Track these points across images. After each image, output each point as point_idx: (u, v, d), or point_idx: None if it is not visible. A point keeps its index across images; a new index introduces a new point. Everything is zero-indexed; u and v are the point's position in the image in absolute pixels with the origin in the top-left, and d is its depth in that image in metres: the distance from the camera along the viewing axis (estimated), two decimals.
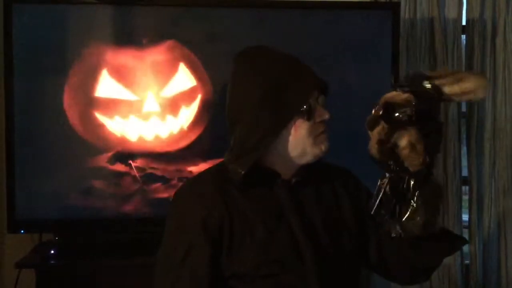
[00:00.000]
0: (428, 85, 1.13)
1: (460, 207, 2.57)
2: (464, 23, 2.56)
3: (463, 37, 2.57)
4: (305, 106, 1.24)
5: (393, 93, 1.15)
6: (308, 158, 1.28)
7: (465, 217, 2.61)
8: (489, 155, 2.55)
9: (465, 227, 2.61)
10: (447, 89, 1.14)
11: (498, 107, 2.55)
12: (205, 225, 1.23)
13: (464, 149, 2.61)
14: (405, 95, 1.13)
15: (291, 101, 1.24)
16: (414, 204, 1.15)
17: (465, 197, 2.63)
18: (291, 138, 1.26)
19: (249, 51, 1.32)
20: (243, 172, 1.24)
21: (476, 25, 2.54)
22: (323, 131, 1.28)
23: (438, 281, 2.53)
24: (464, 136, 2.60)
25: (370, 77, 2.27)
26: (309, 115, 1.25)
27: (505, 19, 2.52)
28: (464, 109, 2.59)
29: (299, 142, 1.26)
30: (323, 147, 1.28)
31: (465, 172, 2.60)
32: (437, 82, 1.14)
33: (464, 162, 2.60)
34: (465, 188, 2.63)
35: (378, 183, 1.19)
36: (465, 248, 2.59)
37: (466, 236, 2.60)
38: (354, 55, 2.28)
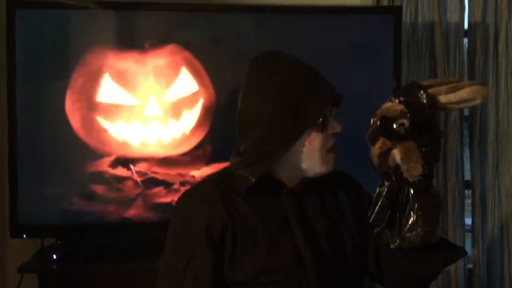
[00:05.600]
0: (423, 95, 1.14)
1: (463, 211, 2.56)
2: (466, 27, 2.56)
3: (465, 40, 2.56)
4: (321, 119, 1.24)
5: (389, 104, 1.16)
6: (314, 173, 1.28)
7: (468, 221, 2.61)
8: (492, 159, 2.55)
9: (468, 231, 2.61)
10: (442, 98, 1.14)
11: (501, 111, 2.54)
12: (207, 233, 1.22)
13: (466, 153, 2.60)
14: (400, 107, 1.13)
15: (308, 113, 1.23)
16: (414, 216, 1.15)
17: (467, 201, 2.62)
18: (304, 149, 1.25)
19: (266, 57, 1.30)
20: (253, 180, 1.24)
21: (478, 29, 2.54)
22: (333, 146, 1.28)
23: (441, 286, 2.52)
24: (466, 139, 2.59)
25: (372, 81, 2.26)
26: (323, 128, 1.24)
27: (507, 22, 2.52)
28: (466, 113, 2.59)
29: (311, 154, 1.26)
30: (329, 167, 1.28)
31: (467, 176, 2.59)
32: (432, 91, 1.14)
33: (466, 166, 2.59)
34: (468, 192, 2.62)
35: (377, 191, 1.19)
36: (469, 252, 2.58)
37: (469, 240, 2.60)
38: (356, 59, 2.28)
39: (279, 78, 1.24)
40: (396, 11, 2.34)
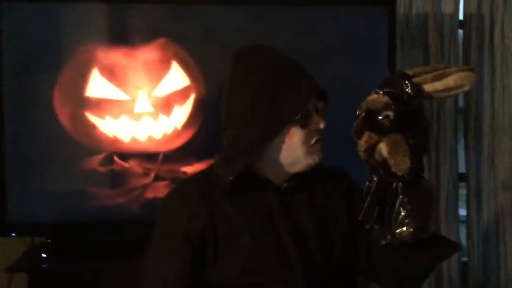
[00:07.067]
0: (408, 85, 1.10)
1: (457, 204, 2.54)
2: (461, 17, 2.53)
3: (460, 32, 2.54)
4: (300, 114, 1.20)
5: (374, 96, 1.13)
6: (299, 167, 1.25)
7: (462, 211, 2.59)
8: (488, 151, 2.53)
9: (462, 222, 2.59)
10: (428, 87, 1.11)
11: (496, 103, 2.52)
12: (186, 233, 1.22)
13: (461, 145, 2.58)
14: (385, 98, 1.10)
15: (286, 108, 1.20)
16: (404, 211, 1.12)
17: (462, 191, 2.59)
18: (284, 145, 1.23)
19: (247, 51, 1.28)
20: (231, 178, 1.22)
21: (473, 20, 2.51)
22: (318, 140, 1.24)
23: (434, 279, 2.51)
24: (461, 132, 2.57)
25: (366, 73, 2.23)
26: (304, 123, 1.21)
27: (502, 13, 2.50)
28: (461, 104, 2.57)
29: (292, 150, 1.23)
30: (316, 158, 1.25)
31: (462, 169, 2.57)
32: (417, 80, 1.11)
33: (461, 159, 2.57)
34: (463, 185, 2.60)
35: (366, 186, 1.17)
36: (463, 244, 2.57)
37: (463, 232, 2.59)
38: (350, 51, 2.25)
39: (259, 73, 1.22)
40: (390, 2, 2.30)
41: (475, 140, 2.55)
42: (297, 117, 1.20)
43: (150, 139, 2.13)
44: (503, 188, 2.53)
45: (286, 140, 1.22)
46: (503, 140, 2.53)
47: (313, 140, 1.23)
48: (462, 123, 2.57)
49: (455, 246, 1.29)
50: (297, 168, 1.25)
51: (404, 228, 1.12)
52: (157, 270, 1.23)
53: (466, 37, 2.53)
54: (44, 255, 2.06)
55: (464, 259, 2.57)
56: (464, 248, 2.57)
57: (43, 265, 2.06)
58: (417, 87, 1.10)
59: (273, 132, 1.21)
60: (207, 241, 1.21)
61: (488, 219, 2.55)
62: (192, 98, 2.15)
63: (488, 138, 2.53)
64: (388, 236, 1.14)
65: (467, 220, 2.57)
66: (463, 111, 2.56)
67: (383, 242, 1.15)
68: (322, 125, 1.24)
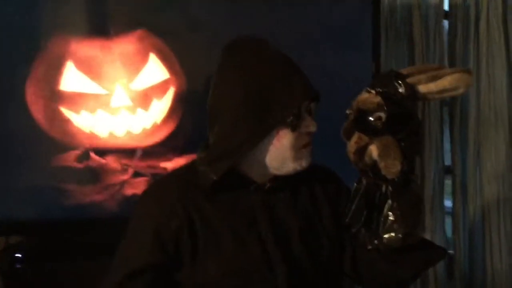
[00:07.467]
0: (401, 85, 1.06)
1: (442, 196, 2.53)
2: (446, 8, 2.51)
3: (446, 22, 2.51)
4: (291, 117, 1.15)
5: (365, 95, 1.09)
6: (286, 171, 1.21)
7: (448, 203, 2.58)
8: (474, 143, 2.51)
9: (447, 213, 2.58)
10: (422, 88, 1.08)
11: (482, 95, 2.50)
12: (156, 233, 1.18)
13: (447, 138, 2.56)
14: (377, 99, 1.06)
15: (277, 110, 1.14)
16: (393, 216, 1.08)
17: (447, 182, 2.58)
18: (271, 147, 1.18)
19: (240, 43, 1.22)
20: (214, 178, 1.17)
21: (458, 11, 2.48)
22: (308, 143, 1.20)
23: None
24: (446, 125, 2.55)
25: (349, 65, 2.19)
26: (294, 126, 1.16)
27: (488, 4, 2.47)
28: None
29: (280, 153, 1.18)
30: (304, 164, 1.20)
31: (447, 161, 2.56)
32: (410, 80, 1.07)
33: (447, 152, 2.56)
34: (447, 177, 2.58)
35: (354, 188, 1.13)
36: (449, 237, 2.56)
37: (449, 225, 2.57)
38: (334, 42, 2.21)
39: (251, 70, 1.16)
40: None
41: (461, 132, 2.53)
42: (288, 120, 1.15)
43: (128, 134, 2.07)
44: (489, 181, 2.52)
45: (275, 142, 1.17)
46: (489, 132, 2.51)
47: (303, 144, 1.19)
48: (448, 115, 2.56)
49: (442, 252, 1.27)
50: (283, 172, 1.21)
51: (393, 234, 1.09)
52: (123, 266, 1.21)
53: (451, 28, 2.50)
54: (18, 255, 2.01)
55: (450, 252, 2.56)
56: (450, 240, 2.56)
57: (18, 265, 2.01)
58: (411, 88, 1.07)
59: (262, 134, 1.16)
60: (183, 241, 1.17)
61: (474, 212, 2.54)
62: (171, 92, 2.09)
63: (474, 131, 2.51)
64: (375, 241, 1.11)
65: (453, 213, 2.55)
66: (449, 103, 2.54)
67: (369, 247, 1.13)
68: (313, 128, 1.19)
